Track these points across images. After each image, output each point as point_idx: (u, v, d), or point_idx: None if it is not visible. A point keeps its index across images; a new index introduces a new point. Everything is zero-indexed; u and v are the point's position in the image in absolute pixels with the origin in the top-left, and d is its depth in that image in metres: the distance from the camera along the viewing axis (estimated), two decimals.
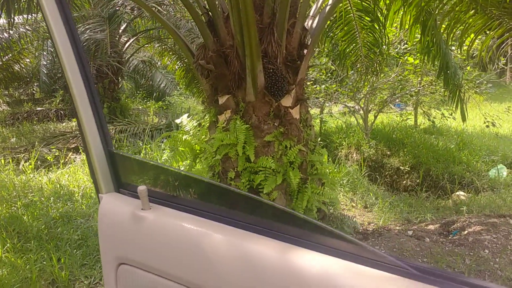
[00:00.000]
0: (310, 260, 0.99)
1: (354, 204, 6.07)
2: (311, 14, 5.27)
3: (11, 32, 11.12)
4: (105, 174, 1.42)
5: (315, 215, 4.67)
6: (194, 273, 1.17)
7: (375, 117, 9.99)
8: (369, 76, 7.58)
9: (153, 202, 1.33)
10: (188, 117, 5.39)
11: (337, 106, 12.50)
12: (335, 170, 5.87)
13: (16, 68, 15.74)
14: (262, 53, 4.33)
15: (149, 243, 1.28)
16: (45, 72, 16.27)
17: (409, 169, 8.63)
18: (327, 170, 4.85)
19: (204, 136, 5.09)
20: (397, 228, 5.12)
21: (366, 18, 6.20)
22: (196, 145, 5.06)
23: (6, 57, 14.46)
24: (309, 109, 5.21)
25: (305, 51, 4.77)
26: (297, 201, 4.52)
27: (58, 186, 6.32)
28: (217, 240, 1.15)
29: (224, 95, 4.73)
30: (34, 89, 19.37)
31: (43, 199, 5.80)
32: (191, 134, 5.17)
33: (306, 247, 1.03)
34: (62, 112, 14.59)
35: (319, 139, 5.10)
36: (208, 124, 5.00)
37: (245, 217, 1.19)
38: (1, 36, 11.32)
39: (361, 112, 10.09)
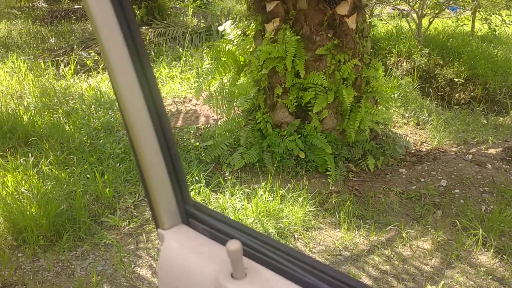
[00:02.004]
0: None
1: (406, 121, 5.72)
2: None
3: None
4: (168, 201, 0.90)
5: (367, 136, 4.39)
6: None
7: (430, 22, 9.19)
8: None
9: (245, 254, 0.82)
10: (231, 24, 4.98)
11: (385, 8, 11.59)
12: (388, 85, 5.46)
13: None
14: None
15: None
16: None
17: (463, 81, 8.05)
18: (383, 87, 4.46)
19: (248, 47, 4.72)
20: (453, 149, 4.80)
21: None
22: (241, 57, 4.71)
23: None
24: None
25: None
26: (349, 121, 4.21)
27: (98, 93, 6.18)
28: None
29: (272, 1, 4.28)
30: None
31: (84, 106, 5.69)
32: (235, 44, 4.79)
33: None
34: None
35: None
36: (253, 33, 4.60)
37: None
38: None
39: (414, 15, 9.30)
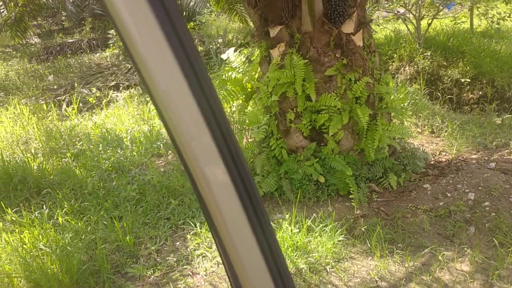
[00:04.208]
0: None
1: (419, 130, 5.60)
2: None
3: None
4: None
5: (386, 153, 4.27)
6: None
7: (429, 24, 9.09)
8: None
9: None
10: (235, 51, 4.89)
11: (380, 11, 11.50)
12: (399, 96, 5.35)
13: None
14: None
15: None
16: (71, 1, 15.67)
17: (470, 80, 7.93)
18: (396, 102, 4.35)
19: (254, 73, 4.63)
20: (474, 157, 4.67)
21: None
22: (248, 84, 4.62)
23: None
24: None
25: None
26: (367, 140, 4.10)
27: (104, 130, 6.09)
28: None
29: (275, 26, 4.20)
30: (63, 19, 18.81)
31: (91, 147, 5.60)
32: (240, 71, 4.71)
33: None
34: (94, 42, 14.19)
35: None
36: (259, 60, 4.51)
37: None
38: None
39: (410, 16, 9.21)
